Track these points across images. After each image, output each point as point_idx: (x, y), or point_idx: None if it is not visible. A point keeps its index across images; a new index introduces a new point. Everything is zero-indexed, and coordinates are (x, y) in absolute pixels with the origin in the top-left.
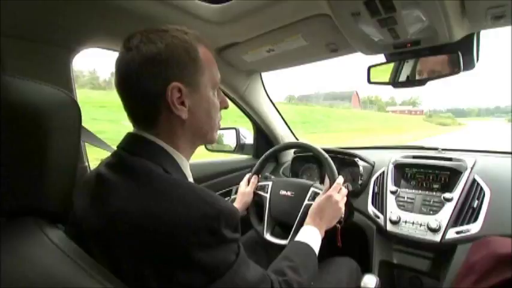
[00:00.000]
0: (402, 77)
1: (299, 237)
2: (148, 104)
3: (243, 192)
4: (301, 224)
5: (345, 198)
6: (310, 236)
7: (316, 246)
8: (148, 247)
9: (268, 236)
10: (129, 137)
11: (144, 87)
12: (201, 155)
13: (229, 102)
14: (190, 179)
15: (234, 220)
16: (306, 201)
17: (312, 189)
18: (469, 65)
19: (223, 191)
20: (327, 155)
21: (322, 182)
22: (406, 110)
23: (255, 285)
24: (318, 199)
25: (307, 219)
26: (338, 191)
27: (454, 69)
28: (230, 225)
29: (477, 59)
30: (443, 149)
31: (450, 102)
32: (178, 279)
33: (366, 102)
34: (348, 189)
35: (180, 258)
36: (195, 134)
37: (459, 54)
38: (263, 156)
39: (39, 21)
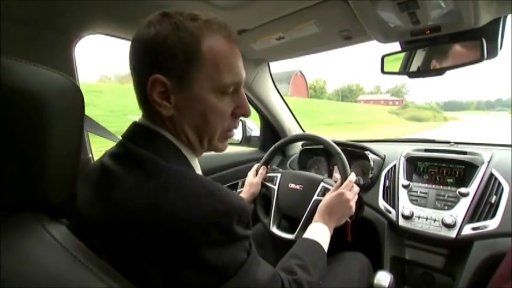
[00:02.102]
0: (413, 67)
1: (308, 234)
2: (141, 91)
3: (251, 182)
4: (309, 220)
5: (356, 197)
6: (319, 233)
7: (325, 244)
8: (153, 244)
9: (274, 229)
10: (134, 127)
11: (136, 73)
12: None
13: None
14: (199, 171)
15: (246, 216)
16: (316, 197)
17: (322, 184)
18: (493, 52)
19: (230, 183)
20: (339, 150)
21: (330, 175)
22: (381, 100)
23: (266, 285)
24: (328, 196)
25: (316, 216)
26: (350, 189)
27: (476, 57)
28: (242, 222)
29: (501, 47)
30: (455, 142)
31: (448, 95)
32: (186, 279)
33: (344, 91)
34: (358, 183)
35: (187, 256)
36: (193, 131)
37: (483, 41)
38: (272, 147)
39: (40, 5)
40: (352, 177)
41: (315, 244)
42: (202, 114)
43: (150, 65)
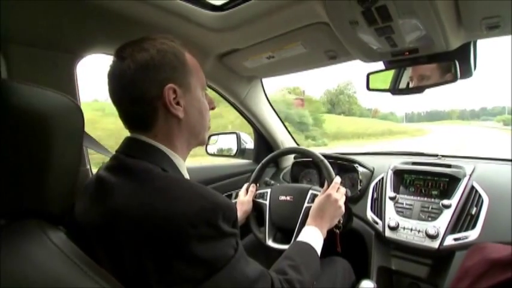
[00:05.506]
0: (402, 84)
1: (301, 238)
2: (146, 107)
3: (242, 201)
4: (302, 227)
5: (344, 197)
6: (312, 236)
7: (317, 246)
8: (148, 240)
9: (270, 243)
10: (127, 141)
11: (141, 92)
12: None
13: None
14: (187, 177)
15: (232, 214)
16: (306, 204)
17: (310, 191)
18: (466, 73)
19: (224, 195)
20: (322, 157)
21: (322, 186)
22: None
23: (254, 281)
24: (317, 199)
25: (309, 220)
26: (337, 190)
27: (450, 77)
28: (228, 219)
29: (474, 67)
30: (443, 156)
31: (431, 105)
32: (177, 272)
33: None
34: (346, 195)
35: (178, 250)
36: (190, 133)
37: (456, 63)
38: (260, 165)
39: (44, 27)
40: (337, 179)
41: (306, 246)
42: (199, 111)
43: (159, 79)
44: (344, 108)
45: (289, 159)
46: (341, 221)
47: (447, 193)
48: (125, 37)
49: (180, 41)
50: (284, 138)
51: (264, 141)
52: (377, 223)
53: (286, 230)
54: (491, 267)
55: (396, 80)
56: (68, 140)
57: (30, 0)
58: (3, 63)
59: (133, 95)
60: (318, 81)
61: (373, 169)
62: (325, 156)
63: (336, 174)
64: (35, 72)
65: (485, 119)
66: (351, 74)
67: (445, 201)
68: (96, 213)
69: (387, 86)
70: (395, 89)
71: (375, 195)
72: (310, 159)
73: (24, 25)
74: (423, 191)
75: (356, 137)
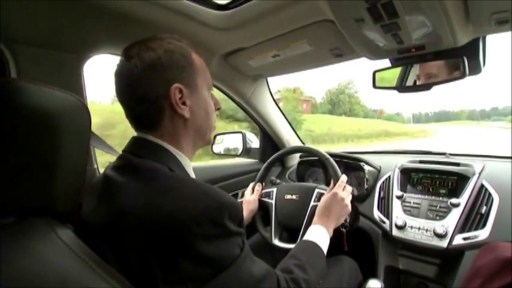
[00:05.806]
0: (409, 82)
1: (307, 237)
2: (153, 106)
3: (248, 200)
4: (309, 226)
5: (350, 196)
6: (318, 235)
7: (324, 245)
8: (153, 238)
9: (276, 242)
10: (134, 141)
11: (147, 91)
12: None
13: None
14: (193, 176)
15: (238, 213)
16: (312, 203)
17: (316, 190)
18: (475, 69)
19: (230, 194)
20: (328, 156)
21: (328, 185)
22: None
23: (260, 280)
24: (323, 198)
25: (315, 219)
26: (343, 189)
27: (459, 73)
28: (233, 218)
29: (483, 64)
30: (451, 154)
31: (439, 105)
32: (183, 270)
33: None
34: (352, 193)
35: (184, 249)
36: (196, 133)
37: (464, 59)
38: (265, 164)
39: (52, 28)
40: (344, 178)
41: (313, 245)
42: (206, 111)
43: (166, 78)
44: (345, 108)
45: (295, 158)
46: (347, 220)
47: (456, 192)
48: (130, 37)
49: (186, 41)
50: (290, 137)
51: (270, 141)
52: (384, 222)
53: (292, 229)
54: (504, 267)
55: (403, 77)
56: (76, 139)
57: (38, 0)
58: (13, 64)
59: (140, 94)
60: (320, 81)
61: (380, 168)
62: (331, 154)
63: (342, 173)
64: (43, 72)
65: (496, 119)
66: (353, 72)
67: (454, 200)
68: (103, 212)
69: (393, 84)
70: (401, 87)
71: (381, 194)
72: (316, 158)
73: (32, 26)
74: (431, 190)
75: (344, 140)
